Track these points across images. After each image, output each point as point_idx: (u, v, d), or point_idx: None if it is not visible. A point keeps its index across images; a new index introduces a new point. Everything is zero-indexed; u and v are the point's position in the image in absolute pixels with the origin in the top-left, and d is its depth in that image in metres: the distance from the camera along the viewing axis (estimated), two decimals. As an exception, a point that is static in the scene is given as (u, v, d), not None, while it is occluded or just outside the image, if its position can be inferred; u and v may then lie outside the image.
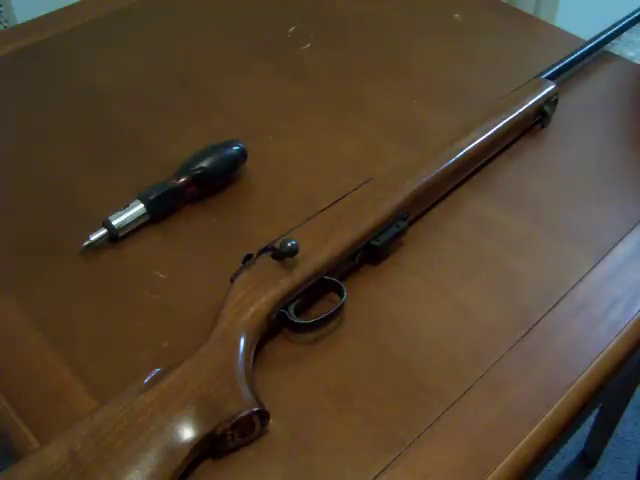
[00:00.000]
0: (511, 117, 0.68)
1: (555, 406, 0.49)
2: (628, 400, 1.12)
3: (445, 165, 0.62)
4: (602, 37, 0.80)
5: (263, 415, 0.46)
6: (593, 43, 0.79)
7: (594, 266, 0.59)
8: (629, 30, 0.84)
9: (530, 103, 0.69)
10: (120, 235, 0.60)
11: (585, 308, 0.56)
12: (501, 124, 0.67)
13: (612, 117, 0.75)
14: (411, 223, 0.61)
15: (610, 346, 0.53)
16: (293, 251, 0.51)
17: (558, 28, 0.90)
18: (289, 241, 0.51)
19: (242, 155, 0.65)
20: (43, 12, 0.90)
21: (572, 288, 0.57)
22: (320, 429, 0.48)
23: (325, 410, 0.49)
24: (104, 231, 0.59)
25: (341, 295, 0.54)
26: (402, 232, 0.59)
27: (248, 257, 0.54)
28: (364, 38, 0.86)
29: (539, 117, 0.72)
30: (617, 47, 0.86)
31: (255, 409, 0.45)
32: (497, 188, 0.66)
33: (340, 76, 0.80)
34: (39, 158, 0.69)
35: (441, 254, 0.60)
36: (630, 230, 0.62)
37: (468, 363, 0.52)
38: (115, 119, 0.74)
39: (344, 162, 0.69)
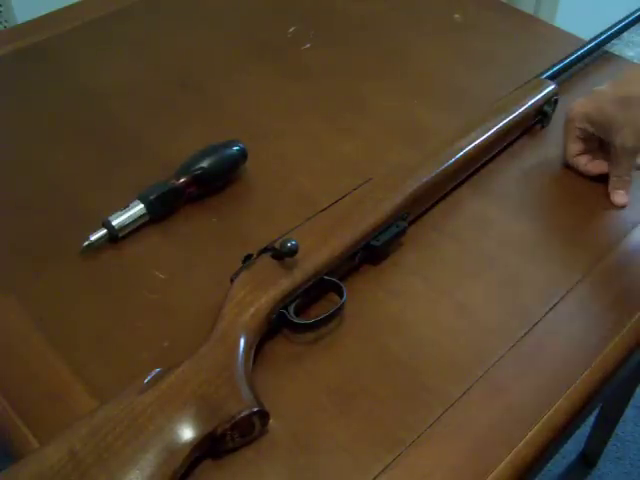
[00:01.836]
0: (511, 117, 0.68)
1: (555, 406, 0.49)
2: (628, 400, 1.12)
3: (445, 165, 0.62)
4: (602, 37, 0.80)
5: (263, 415, 0.46)
6: (593, 43, 0.79)
7: (594, 266, 0.59)
8: (629, 30, 0.84)
9: (530, 103, 0.69)
10: (120, 235, 0.60)
11: (585, 308, 0.56)
12: (501, 124, 0.67)
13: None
14: (411, 223, 0.61)
15: (610, 346, 0.53)
16: (293, 251, 0.51)
17: (558, 28, 0.90)
18: (289, 241, 0.51)
19: (242, 155, 0.65)
20: (43, 12, 0.90)
21: (572, 288, 0.57)
22: (320, 429, 0.48)
23: (325, 410, 0.49)
24: (104, 231, 0.59)
25: (341, 295, 0.54)
26: (402, 232, 0.59)
27: (248, 257, 0.54)
28: (364, 38, 0.86)
29: (539, 117, 0.72)
30: (617, 47, 0.86)
31: (255, 409, 0.45)
32: (497, 188, 0.66)
33: (340, 76, 0.80)
34: (39, 158, 0.69)
35: (441, 254, 0.60)
36: (629, 231, 0.62)
37: (468, 363, 0.52)
38: (115, 119, 0.74)
39: (344, 162, 0.69)
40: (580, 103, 0.64)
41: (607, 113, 0.61)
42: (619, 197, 0.64)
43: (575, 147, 0.66)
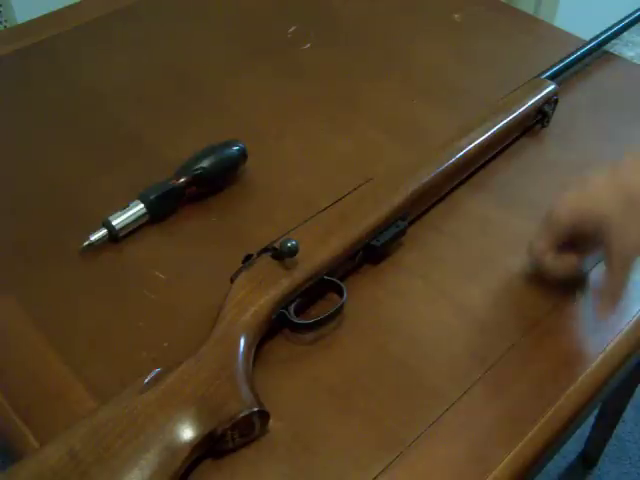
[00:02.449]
0: (511, 117, 0.68)
1: (555, 406, 0.49)
2: (628, 400, 1.12)
3: (445, 165, 0.62)
4: (602, 37, 0.80)
5: (263, 415, 0.46)
6: (593, 43, 0.79)
7: (594, 266, 0.59)
8: (629, 30, 0.84)
9: (530, 103, 0.69)
10: (120, 235, 0.60)
11: (585, 308, 0.56)
12: (501, 124, 0.67)
13: (612, 117, 0.75)
14: (411, 223, 0.61)
15: (610, 346, 0.53)
16: (293, 251, 0.51)
17: (558, 28, 0.90)
18: (289, 241, 0.51)
19: (242, 155, 0.65)
20: (43, 12, 0.90)
21: (572, 288, 0.57)
22: (320, 429, 0.48)
23: (325, 410, 0.49)
24: (104, 231, 0.59)
25: (341, 295, 0.54)
26: (402, 232, 0.59)
27: (248, 257, 0.54)
28: (364, 38, 0.86)
29: (539, 117, 0.72)
30: (617, 47, 0.86)
31: (255, 409, 0.45)
32: (497, 188, 0.66)
33: (340, 76, 0.80)
34: (39, 158, 0.69)
35: (441, 254, 0.60)
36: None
37: (468, 363, 0.52)
38: (115, 119, 0.74)
39: (344, 162, 0.69)
40: (571, 198, 0.53)
41: (605, 213, 0.49)
42: (604, 315, 0.53)
43: (546, 245, 0.54)
